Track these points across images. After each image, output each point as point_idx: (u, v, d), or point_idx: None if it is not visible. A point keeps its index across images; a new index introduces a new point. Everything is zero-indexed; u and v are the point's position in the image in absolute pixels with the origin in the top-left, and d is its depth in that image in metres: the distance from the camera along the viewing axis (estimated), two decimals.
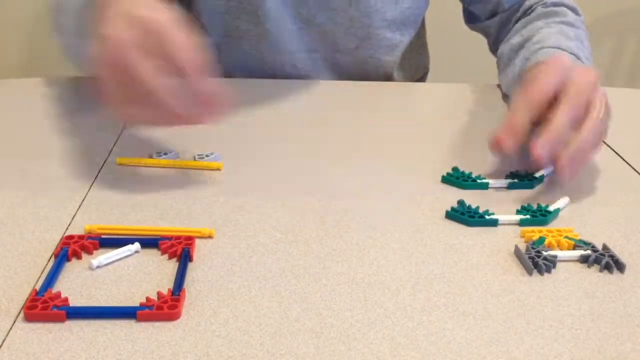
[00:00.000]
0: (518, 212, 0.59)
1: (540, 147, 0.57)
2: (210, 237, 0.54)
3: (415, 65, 1.03)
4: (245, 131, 0.74)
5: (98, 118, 0.75)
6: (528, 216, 0.58)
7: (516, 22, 0.91)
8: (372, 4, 0.91)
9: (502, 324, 0.45)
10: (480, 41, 1.01)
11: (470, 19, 0.99)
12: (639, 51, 1.95)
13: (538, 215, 0.58)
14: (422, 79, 1.08)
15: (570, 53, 0.75)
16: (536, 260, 0.51)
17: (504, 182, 0.64)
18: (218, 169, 0.65)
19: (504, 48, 0.87)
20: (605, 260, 0.52)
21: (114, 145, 0.69)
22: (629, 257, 0.54)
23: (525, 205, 0.60)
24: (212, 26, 0.92)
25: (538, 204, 0.60)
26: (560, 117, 0.58)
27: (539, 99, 0.60)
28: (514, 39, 0.85)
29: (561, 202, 0.61)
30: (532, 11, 0.90)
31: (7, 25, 1.44)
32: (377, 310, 0.46)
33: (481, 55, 1.04)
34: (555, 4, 0.89)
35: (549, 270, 0.51)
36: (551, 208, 0.59)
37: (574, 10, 0.88)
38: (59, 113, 0.76)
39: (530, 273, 0.51)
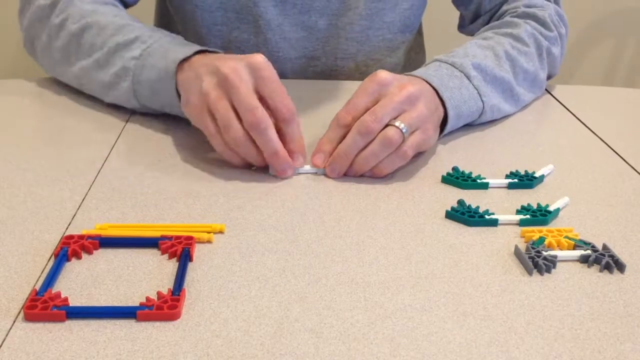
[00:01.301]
0: (518, 212, 0.59)
1: (330, 171, 0.65)
2: (221, 232, 0.54)
3: (414, 67, 1.03)
4: None
5: (97, 118, 0.75)
6: (528, 216, 0.58)
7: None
8: (371, 7, 0.91)
9: (502, 324, 0.45)
10: None
11: (460, 23, 1.00)
12: (639, 51, 1.95)
13: (538, 215, 0.58)
14: None
15: (458, 68, 0.74)
16: (536, 260, 0.51)
17: (504, 182, 0.64)
18: (221, 232, 0.55)
19: None
20: (605, 260, 0.52)
21: (114, 145, 0.69)
22: (629, 257, 0.54)
23: (525, 205, 0.60)
24: (210, 37, 0.91)
25: (538, 204, 0.60)
26: (346, 140, 0.63)
27: (344, 122, 0.64)
28: None
29: (561, 202, 0.61)
30: (501, 18, 0.89)
31: (7, 25, 1.44)
32: (377, 310, 0.46)
33: None
34: (522, 15, 0.87)
35: (549, 270, 0.51)
36: (551, 208, 0.59)
37: (543, 23, 0.85)
38: (59, 113, 0.76)
39: (530, 273, 0.51)
